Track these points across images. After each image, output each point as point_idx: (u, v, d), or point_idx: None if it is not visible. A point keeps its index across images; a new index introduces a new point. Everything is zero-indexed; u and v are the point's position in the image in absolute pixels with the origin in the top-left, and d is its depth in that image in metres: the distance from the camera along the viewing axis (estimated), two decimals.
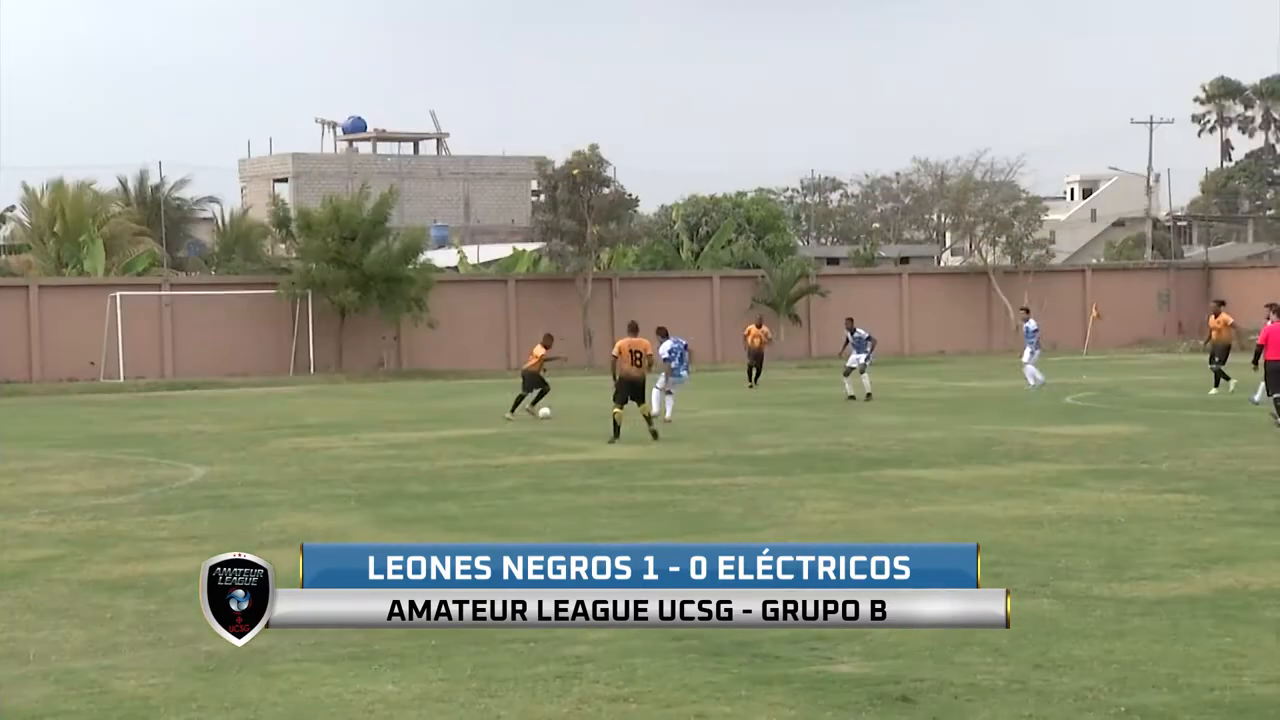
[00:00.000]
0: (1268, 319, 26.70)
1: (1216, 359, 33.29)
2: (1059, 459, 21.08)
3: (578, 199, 51.71)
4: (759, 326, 42.15)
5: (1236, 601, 11.44)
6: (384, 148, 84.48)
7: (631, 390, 24.98)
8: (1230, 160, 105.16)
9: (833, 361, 48.65)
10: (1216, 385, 32.77)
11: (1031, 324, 36.22)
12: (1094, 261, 77.15)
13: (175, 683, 9.56)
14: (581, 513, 16.74)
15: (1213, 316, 34.44)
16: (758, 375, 40.61)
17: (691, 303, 53.55)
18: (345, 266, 47.67)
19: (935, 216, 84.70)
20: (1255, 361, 26.38)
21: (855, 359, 34.30)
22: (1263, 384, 28.42)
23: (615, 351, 25.84)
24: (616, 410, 24.85)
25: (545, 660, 9.89)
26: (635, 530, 15.45)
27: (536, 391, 29.53)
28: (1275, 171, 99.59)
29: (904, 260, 71.81)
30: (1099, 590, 11.94)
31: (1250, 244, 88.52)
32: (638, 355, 25.22)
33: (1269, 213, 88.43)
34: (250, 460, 22.97)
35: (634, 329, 26.61)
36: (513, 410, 29.37)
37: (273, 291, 48.76)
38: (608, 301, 52.38)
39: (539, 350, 30.24)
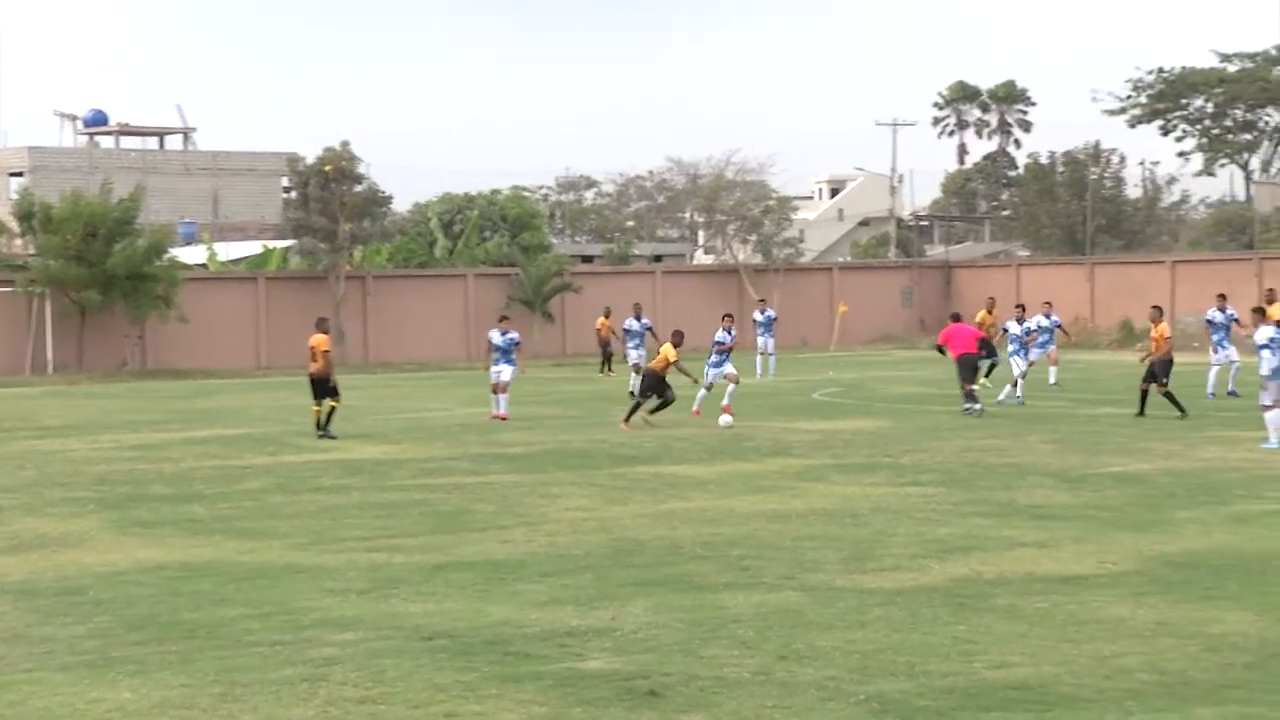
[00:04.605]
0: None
1: (1160, 378, 26.58)
2: (806, 454, 21.55)
3: (329, 196, 51.03)
4: (606, 317, 44.62)
5: (970, 590, 11.86)
6: (128, 142, 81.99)
7: (314, 386, 25.39)
8: (966, 162, 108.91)
9: (587, 360, 48.93)
10: (1143, 406, 26.67)
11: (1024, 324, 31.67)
12: (841, 260, 79.09)
13: None
14: (332, 513, 16.52)
15: (1154, 326, 27.59)
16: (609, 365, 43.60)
17: (446, 300, 53.27)
18: (87, 265, 46.19)
19: (688, 215, 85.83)
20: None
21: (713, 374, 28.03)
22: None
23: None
24: (314, 407, 25.37)
25: (292, 663, 9.74)
26: (387, 530, 15.31)
27: (657, 399, 26.23)
28: (1009, 173, 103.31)
29: (657, 258, 72.54)
30: (842, 582, 12.25)
31: (987, 243, 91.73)
32: (312, 351, 25.63)
33: (1004, 213, 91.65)
34: None
35: (319, 324, 26.54)
36: (626, 419, 26.01)
37: (7, 290, 46.96)
38: (361, 299, 51.79)
39: (669, 351, 26.26)
